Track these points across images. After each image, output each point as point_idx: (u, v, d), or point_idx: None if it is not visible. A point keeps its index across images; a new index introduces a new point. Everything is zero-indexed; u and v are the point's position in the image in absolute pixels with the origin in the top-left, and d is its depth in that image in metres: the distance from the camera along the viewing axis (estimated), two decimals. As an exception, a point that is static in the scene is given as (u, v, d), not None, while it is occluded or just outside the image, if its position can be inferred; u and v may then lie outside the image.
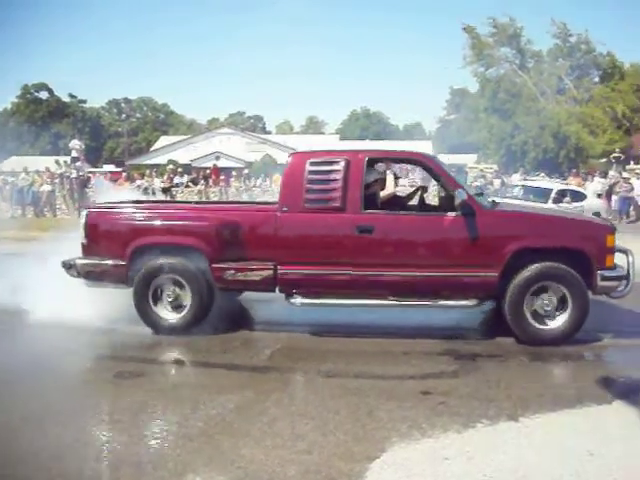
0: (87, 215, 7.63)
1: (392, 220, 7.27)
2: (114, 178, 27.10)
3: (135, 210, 7.94)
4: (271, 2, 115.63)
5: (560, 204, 16.42)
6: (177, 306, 7.38)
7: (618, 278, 6.95)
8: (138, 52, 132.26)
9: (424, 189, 8.94)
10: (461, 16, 65.33)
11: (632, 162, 28.24)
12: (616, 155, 29.02)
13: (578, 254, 6.87)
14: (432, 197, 9.05)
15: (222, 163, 38.14)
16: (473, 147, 37.02)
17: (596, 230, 7.30)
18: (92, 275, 7.54)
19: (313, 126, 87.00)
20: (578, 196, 18.14)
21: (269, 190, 25.15)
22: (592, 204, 18.13)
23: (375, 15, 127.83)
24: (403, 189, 10.78)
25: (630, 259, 7.00)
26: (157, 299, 7.40)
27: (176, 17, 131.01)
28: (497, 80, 38.13)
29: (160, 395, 5.47)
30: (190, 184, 24.65)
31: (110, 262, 7.42)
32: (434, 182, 8.76)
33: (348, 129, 75.73)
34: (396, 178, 8.05)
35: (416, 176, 25.13)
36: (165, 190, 22.63)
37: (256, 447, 4.38)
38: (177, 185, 24.21)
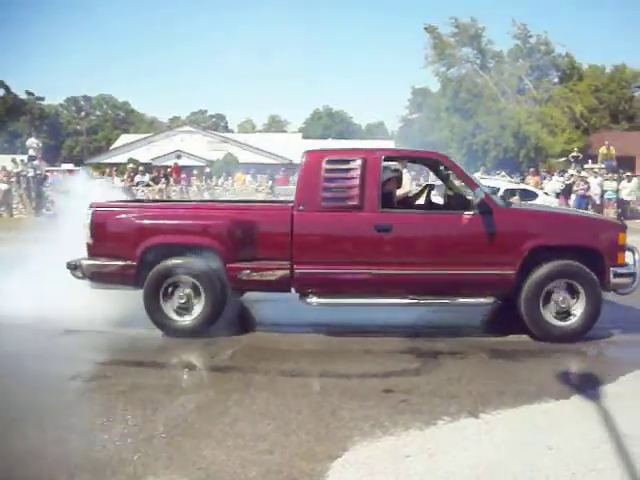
0: (93, 214, 7.28)
1: (410, 219, 7.35)
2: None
3: (146, 209, 7.84)
4: (234, 3, 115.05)
5: None
6: (187, 307, 7.18)
7: (629, 275, 7.11)
8: (98, 49, 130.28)
9: (431, 187, 8.97)
10: (423, 16, 65.90)
11: (590, 161, 28.71)
12: (574, 154, 29.50)
13: (591, 252, 7.02)
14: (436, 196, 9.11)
15: (183, 162, 37.80)
16: (435, 146, 37.30)
17: (609, 228, 7.49)
18: (99, 276, 7.30)
19: (275, 125, 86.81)
20: (528, 195, 18.26)
21: (231, 189, 24.98)
22: (545, 203, 18.29)
23: (338, 14, 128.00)
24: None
25: (636, 256, 7.16)
26: (167, 300, 7.18)
27: (136, 15, 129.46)
28: (458, 80, 38.40)
29: (119, 397, 5.36)
30: (151, 183, 24.36)
31: (119, 263, 7.18)
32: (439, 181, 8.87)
33: (311, 128, 75.77)
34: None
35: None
36: (127, 189, 22.32)
37: (217, 448, 4.34)
38: (138, 184, 23.91)
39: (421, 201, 8.67)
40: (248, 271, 7.03)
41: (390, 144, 49.93)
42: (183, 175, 28.33)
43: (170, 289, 7.16)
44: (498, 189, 17.42)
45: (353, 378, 5.85)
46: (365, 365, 6.23)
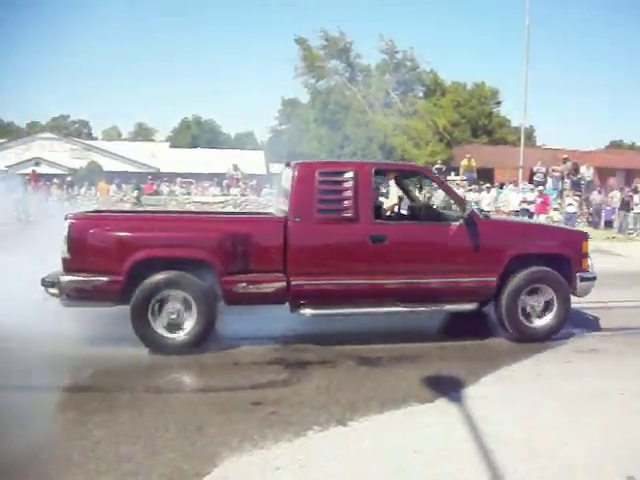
0: (71, 226, 6.69)
1: (403, 229, 7.64)
2: None
3: (133, 220, 7.52)
4: (100, 2, 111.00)
5: None
6: (178, 323, 6.83)
7: (592, 279, 7.85)
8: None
9: (401, 199, 9.39)
10: (294, 27, 66.54)
11: (452, 173, 29.90)
12: (438, 166, 30.66)
13: (561, 259, 7.61)
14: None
15: (43, 170, 36.09)
16: (304, 157, 37.65)
17: (575, 237, 8.15)
18: (80, 293, 6.71)
19: (142, 133, 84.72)
20: None
21: (95, 199, 24.07)
22: None
23: (210, 23, 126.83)
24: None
25: (590, 262, 7.87)
26: (155, 316, 6.78)
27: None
28: (327, 92, 39.01)
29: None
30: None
31: (103, 278, 6.66)
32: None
33: (179, 137, 74.51)
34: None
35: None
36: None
37: (79, 473, 4.09)
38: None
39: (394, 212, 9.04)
40: (244, 284, 6.89)
41: (260, 155, 50.10)
42: (40, 183, 26.99)
43: (157, 305, 6.79)
44: None
45: (221, 392, 5.74)
46: (233, 378, 6.12)
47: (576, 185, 26.40)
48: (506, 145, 43.17)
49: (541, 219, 20.68)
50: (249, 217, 8.19)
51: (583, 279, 7.69)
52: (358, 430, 4.83)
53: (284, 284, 6.95)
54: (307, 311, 7.11)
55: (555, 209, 22.75)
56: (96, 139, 70.90)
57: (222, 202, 20.08)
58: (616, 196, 24.66)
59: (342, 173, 7.26)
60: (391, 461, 4.29)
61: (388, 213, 9.32)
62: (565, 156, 28.26)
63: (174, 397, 5.62)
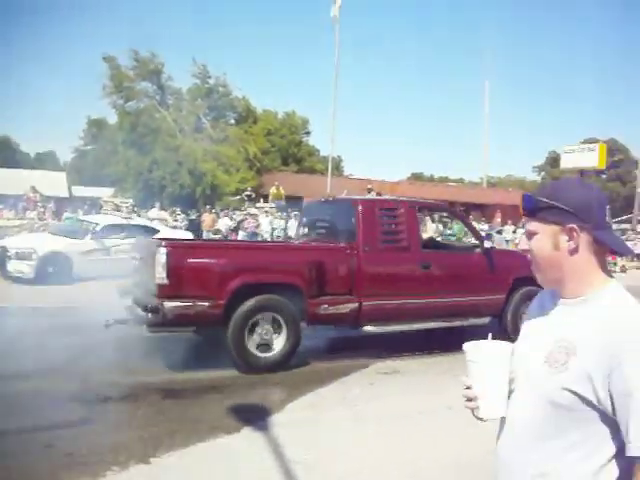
0: (169, 253, 6.93)
1: (443, 257, 9.14)
2: None
3: (230, 249, 8.56)
4: None
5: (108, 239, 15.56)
6: (267, 343, 7.45)
7: None
8: None
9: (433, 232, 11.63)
10: (101, 45, 64.01)
11: (262, 200, 30.24)
12: (248, 193, 30.90)
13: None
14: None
15: None
16: (111, 180, 36.36)
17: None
18: (181, 318, 7.03)
19: None
20: (147, 231, 16.17)
21: None
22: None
23: (9, 35, 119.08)
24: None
25: None
26: (249, 338, 7.35)
27: None
28: (137, 114, 38.02)
29: None
30: None
31: (205, 303, 7.05)
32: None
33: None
34: None
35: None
36: None
37: None
38: None
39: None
40: (326, 305, 7.81)
41: (62, 176, 47.55)
42: None
43: (251, 326, 7.35)
44: (97, 224, 16.35)
45: (10, 435, 5.21)
46: (24, 417, 5.60)
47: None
48: (315, 174, 44.48)
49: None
50: (326, 246, 8.68)
51: None
52: (161, 466, 4.62)
53: (356, 305, 8.00)
54: (369, 328, 8.17)
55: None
56: None
57: (17, 226, 18.71)
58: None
59: (396, 209, 8.60)
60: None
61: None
62: (370, 186, 29.60)
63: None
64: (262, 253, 8.42)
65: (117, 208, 23.90)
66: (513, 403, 1.76)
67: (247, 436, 5.31)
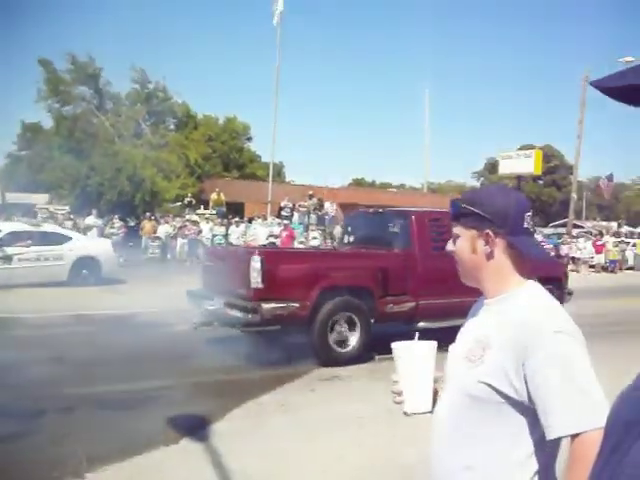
0: (263, 260, 7.90)
1: None
2: None
3: (315, 255, 9.91)
4: None
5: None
6: (342, 340, 8.39)
7: (571, 293, 11.80)
8: None
9: None
10: (36, 48, 62.51)
11: (202, 206, 29.92)
12: (188, 199, 30.54)
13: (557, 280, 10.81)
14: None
15: None
16: (46, 186, 35.39)
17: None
18: (276, 318, 7.97)
19: None
20: (54, 238, 16.43)
21: None
22: (78, 246, 16.58)
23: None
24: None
25: None
26: (330, 335, 8.29)
27: None
28: (74, 118, 37.19)
29: None
30: None
31: (296, 304, 8.04)
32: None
33: None
34: None
35: None
36: None
37: None
38: None
39: None
40: (391, 305, 8.87)
41: (-7, 182, 46.23)
42: None
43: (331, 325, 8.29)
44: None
45: None
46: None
47: (321, 220, 27.79)
48: (256, 180, 44.29)
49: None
50: (391, 253, 9.52)
51: (569, 293, 11.60)
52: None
53: (414, 304, 9.02)
54: (421, 325, 8.71)
55: (301, 242, 23.62)
56: None
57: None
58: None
59: (440, 219, 9.29)
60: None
61: None
62: (311, 192, 29.66)
63: None
64: (341, 260, 9.50)
65: (52, 215, 23.34)
66: (441, 401, 1.85)
67: (185, 447, 5.20)
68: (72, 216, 24.65)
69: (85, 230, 21.64)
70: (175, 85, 49.10)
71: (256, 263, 7.91)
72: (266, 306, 7.83)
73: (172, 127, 43.54)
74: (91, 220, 22.73)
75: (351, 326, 8.47)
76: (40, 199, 33.18)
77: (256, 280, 7.88)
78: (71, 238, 16.64)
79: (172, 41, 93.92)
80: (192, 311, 9.32)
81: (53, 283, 15.29)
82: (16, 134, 44.54)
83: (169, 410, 6.17)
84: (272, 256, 8.67)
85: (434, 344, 1.90)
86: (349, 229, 11.19)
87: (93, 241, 18.02)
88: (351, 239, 10.75)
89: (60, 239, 16.27)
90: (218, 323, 8.69)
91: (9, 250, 15.14)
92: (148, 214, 26.14)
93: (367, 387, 7.26)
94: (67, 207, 27.48)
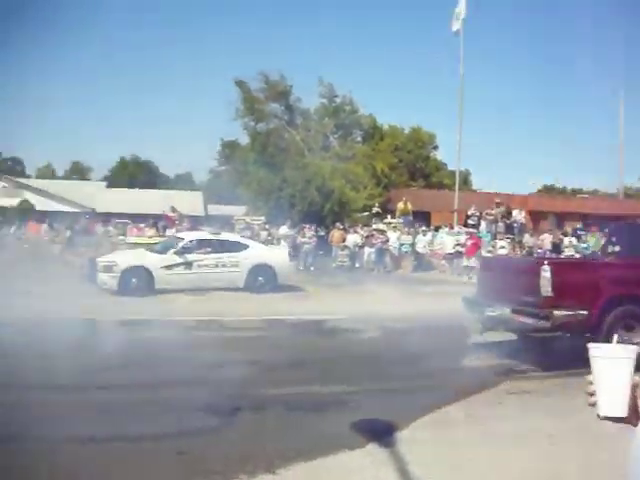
0: (552, 270, 8.20)
1: None
2: None
3: (600, 265, 9.59)
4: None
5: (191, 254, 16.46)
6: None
7: None
8: None
9: None
10: (232, 69, 66.45)
11: (389, 216, 30.22)
12: (376, 209, 30.99)
13: None
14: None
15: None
16: (243, 199, 37.50)
17: None
18: (566, 325, 8.34)
19: (78, 171, 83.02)
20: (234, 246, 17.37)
21: (23, 238, 23.32)
22: (254, 254, 17.28)
23: (138, 60, 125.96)
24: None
25: None
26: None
27: None
28: (267, 134, 39.07)
29: None
30: None
31: (584, 312, 8.23)
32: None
33: (116, 176, 73.49)
34: None
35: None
36: None
37: None
38: None
39: None
40: None
41: (198, 195, 49.73)
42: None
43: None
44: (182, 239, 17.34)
45: (145, 441, 5.50)
46: (158, 425, 5.92)
47: (509, 228, 27.07)
48: (442, 189, 43.97)
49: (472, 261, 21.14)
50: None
51: None
52: (286, 478, 4.69)
53: None
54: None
55: (489, 251, 23.19)
56: (29, 177, 69.25)
57: (157, 243, 19.69)
58: (547, 239, 25.30)
59: None
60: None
61: None
62: (498, 200, 28.95)
63: (94, 447, 5.33)
64: (624, 269, 9.17)
65: (249, 226, 24.77)
66: None
67: (371, 452, 5.27)
68: (267, 226, 25.96)
69: (278, 240, 22.75)
70: (361, 98, 49.77)
71: (546, 273, 8.24)
72: (557, 313, 8.14)
73: (359, 139, 44.26)
74: (284, 230, 23.76)
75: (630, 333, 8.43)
76: (238, 211, 35.24)
77: (546, 289, 8.21)
78: (248, 246, 17.55)
79: (356, 56, 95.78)
80: (467, 317, 9.95)
81: (233, 289, 16.31)
82: (216, 151, 47.53)
83: (356, 414, 6.29)
84: (560, 266, 9.15)
85: (635, 348, 1.78)
86: (613, 239, 11.38)
87: (268, 250, 18.84)
88: (616, 249, 10.79)
89: (238, 247, 17.26)
90: (504, 328, 9.24)
91: (190, 257, 16.35)
92: (337, 224, 26.86)
93: (558, 403, 6.94)
94: (262, 218, 28.90)
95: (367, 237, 24.49)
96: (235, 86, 38.88)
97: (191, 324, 11.62)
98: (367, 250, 23.84)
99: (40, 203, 41.35)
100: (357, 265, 23.89)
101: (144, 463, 4.99)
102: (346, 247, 24.07)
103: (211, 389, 7.09)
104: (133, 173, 75.14)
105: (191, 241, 17.06)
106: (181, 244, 16.79)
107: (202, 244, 17.01)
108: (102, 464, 4.94)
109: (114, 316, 11.84)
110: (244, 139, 41.94)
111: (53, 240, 23.18)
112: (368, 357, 9.19)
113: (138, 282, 15.60)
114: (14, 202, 40.16)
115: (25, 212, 34.59)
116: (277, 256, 17.96)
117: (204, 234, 18.29)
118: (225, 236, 18.38)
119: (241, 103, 38.92)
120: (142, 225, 29.38)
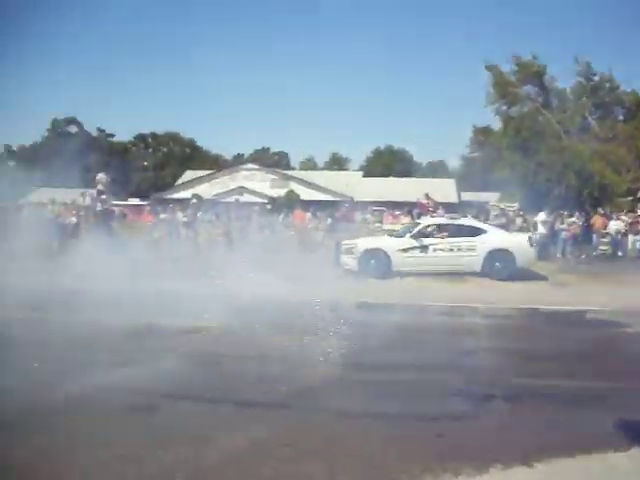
0: None
1: None
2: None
3: None
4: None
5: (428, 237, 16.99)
6: None
7: None
8: (166, 84, 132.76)
9: None
10: (484, 54, 65.21)
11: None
12: (642, 194, 28.82)
13: None
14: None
15: (245, 199, 38.32)
16: (496, 185, 36.93)
17: None
18: None
19: (336, 162, 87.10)
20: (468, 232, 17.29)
21: (290, 226, 25.16)
22: (492, 239, 17.04)
23: (399, 56, 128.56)
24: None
25: None
26: None
27: (202, 49, 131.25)
28: (520, 118, 37.94)
29: None
30: (214, 218, 24.65)
31: None
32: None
33: (371, 166, 76.05)
34: None
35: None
36: (187, 224, 22.60)
37: None
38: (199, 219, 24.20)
39: None
40: None
41: (451, 183, 49.84)
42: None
43: None
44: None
45: (408, 420, 5.81)
46: (420, 406, 6.21)
47: None
48: None
49: None
50: None
51: None
52: (544, 473, 4.66)
53: None
54: None
55: None
56: (294, 169, 74.21)
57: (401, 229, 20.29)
58: None
59: None
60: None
61: None
62: None
63: (361, 421, 5.74)
64: None
65: (503, 212, 24.38)
66: None
67: (633, 456, 4.98)
68: (522, 212, 25.32)
69: (535, 226, 22.11)
70: (622, 72, 46.30)
71: None
72: None
73: (620, 118, 41.31)
74: (542, 217, 23.01)
75: None
76: (491, 197, 34.80)
77: None
78: (486, 231, 17.40)
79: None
80: None
81: (469, 274, 16.50)
82: (468, 138, 47.22)
83: (618, 413, 5.96)
84: None
85: None
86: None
87: (507, 235, 18.37)
88: None
89: (475, 232, 17.16)
90: None
91: (426, 240, 16.86)
92: (599, 209, 25.47)
93: None
94: (516, 204, 28.25)
95: (631, 224, 22.89)
96: (486, 70, 38.25)
97: (445, 310, 11.92)
98: (631, 238, 22.31)
99: (304, 193, 44.55)
100: (620, 254, 22.45)
101: (404, 441, 5.25)
102: (608, 234, 22.74)
103: (468, 375, 7.26)
104: (388, 162, 77.29)
105: (428, 225, 17.61)
106: (418, 228, 17.40)
107: (439, 229, 17.40)
108: (360, 438, 5.31)
109: (375, 299, 12.84)
110: (496, 124, 41.18)
111: (316, 227, 24.70)
112: (633, 353, 8.70)
113: (376, 263, 16.59)
114: (282, 192, 43.90)
115: (292, 201, 37.37)
116: (517, 242, 17.54)
117: (441, 219, 18.69)
118: (462, 221, 18.46)
119: (492, 87, 38.20)
120: (397, 212, 30.25)
